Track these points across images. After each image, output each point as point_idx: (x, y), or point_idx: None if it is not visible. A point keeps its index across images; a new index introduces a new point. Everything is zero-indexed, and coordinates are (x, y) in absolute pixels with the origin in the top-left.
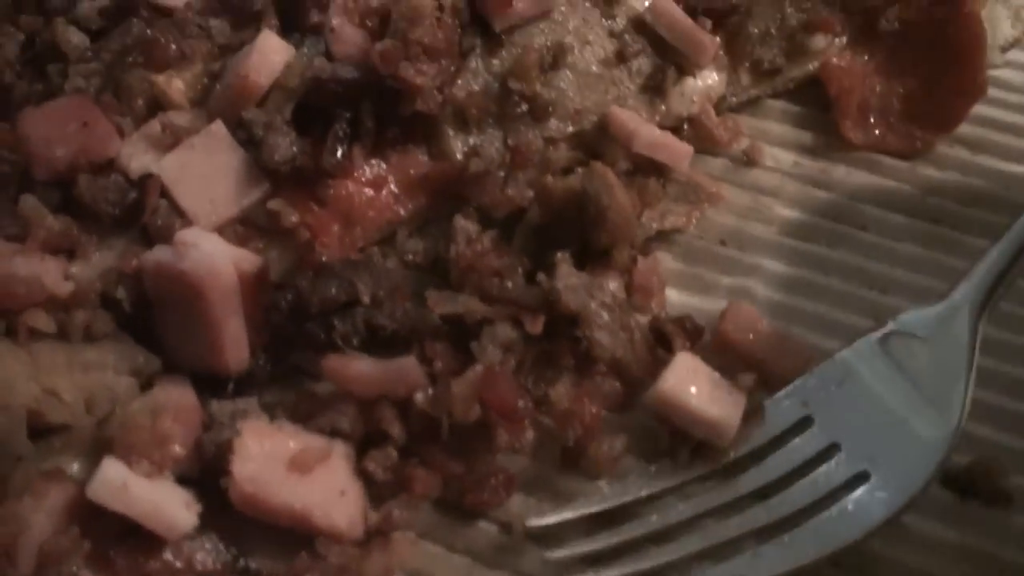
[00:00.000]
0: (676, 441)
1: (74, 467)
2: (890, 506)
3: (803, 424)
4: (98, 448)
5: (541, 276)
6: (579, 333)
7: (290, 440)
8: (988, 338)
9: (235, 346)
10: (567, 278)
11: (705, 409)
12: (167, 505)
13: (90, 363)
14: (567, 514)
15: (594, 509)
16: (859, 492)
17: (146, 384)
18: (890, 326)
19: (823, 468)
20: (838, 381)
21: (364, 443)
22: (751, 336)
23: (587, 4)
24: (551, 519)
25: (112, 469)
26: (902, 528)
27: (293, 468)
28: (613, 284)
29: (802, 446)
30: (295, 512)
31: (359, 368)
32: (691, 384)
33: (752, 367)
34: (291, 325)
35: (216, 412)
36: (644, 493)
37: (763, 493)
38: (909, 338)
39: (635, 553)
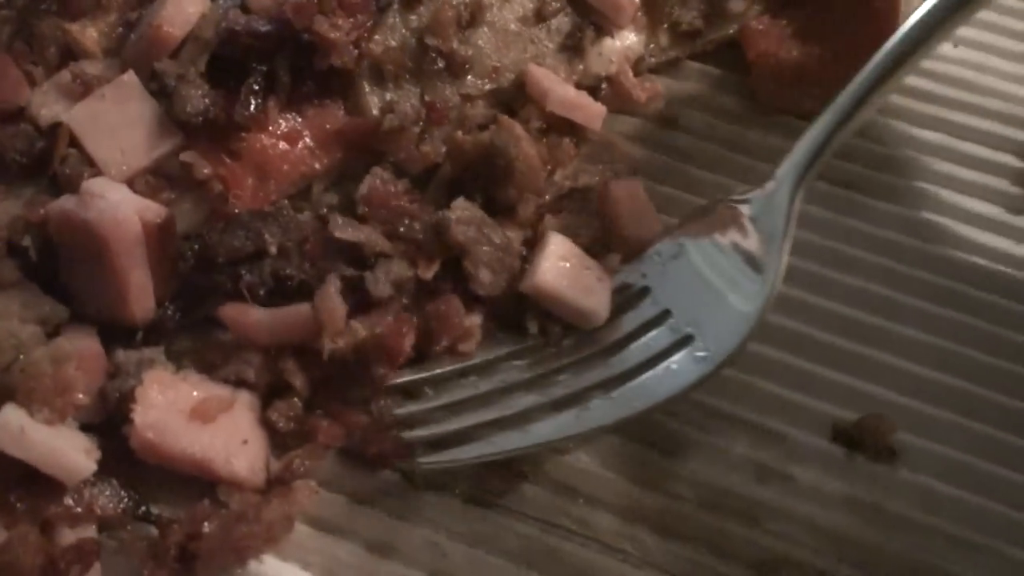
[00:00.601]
0: (547, 323)
1: None
2: (708, 364)
3: (641, 294)
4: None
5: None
6: (464, 267)
7: (194, 390)
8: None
9: (140, 296)
10: (460, 211)
11: (580, 300)
12: (65, 451)
13: None
14: (422, 373)
15: (447, 368)
16: (682, 353)
17: (52, 333)
18: (720, 203)
19: (654, 333)
20: (673, 255)
21: (270, 394)
22: (624, 210)
23: None
24: (405, 378)
25: (10, 415)
26: (790, 479)
27: (195, 416)
28: (512, 234)
29: (638, 313)
30: (195, 459)
31: (255, 316)
32: (564, 277)
33: (619, 242)
34: (199, 275)
35: (122, 361)
36: (492, 356)
37: (602, 354)
38: (736, 214)
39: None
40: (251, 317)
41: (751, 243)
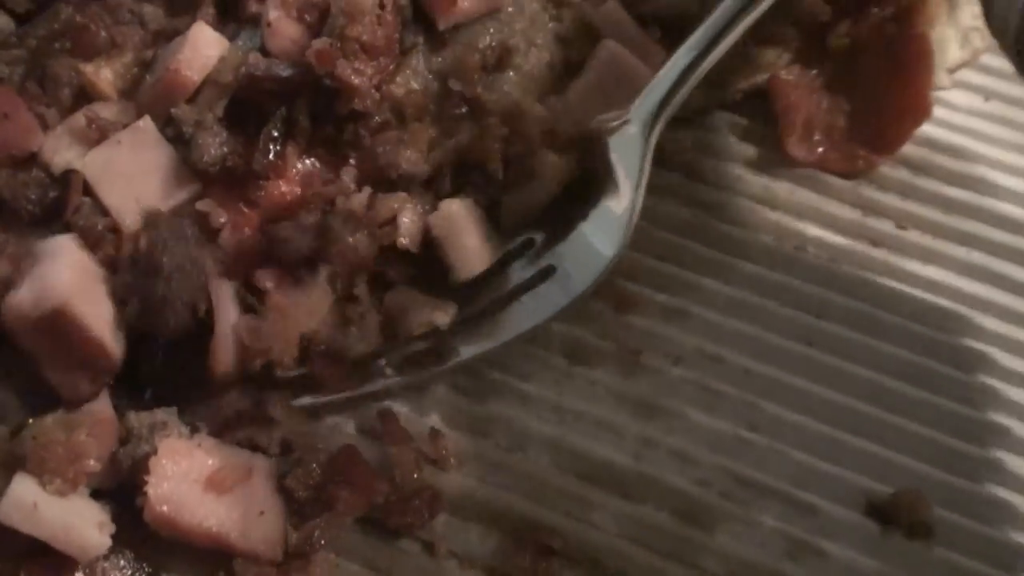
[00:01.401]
0: None
1: None
2: (568, 295)
3: None
4: (10, 463)
5: None
6: None
7: (209, 457)
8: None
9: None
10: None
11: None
12: (79, 526)
13: None
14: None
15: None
16: (545, 284)
17: None
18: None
19: (517, 264)
20: None
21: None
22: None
23: (535, 5)
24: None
25: (22, 488)
26: (822, 555)
27: (211, 487)
28: None
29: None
30: (211, 534)
31: None
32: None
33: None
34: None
35: (134, 425)
36: None
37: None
38: (604, 150)
39: None
40: None
41: (613, 181)
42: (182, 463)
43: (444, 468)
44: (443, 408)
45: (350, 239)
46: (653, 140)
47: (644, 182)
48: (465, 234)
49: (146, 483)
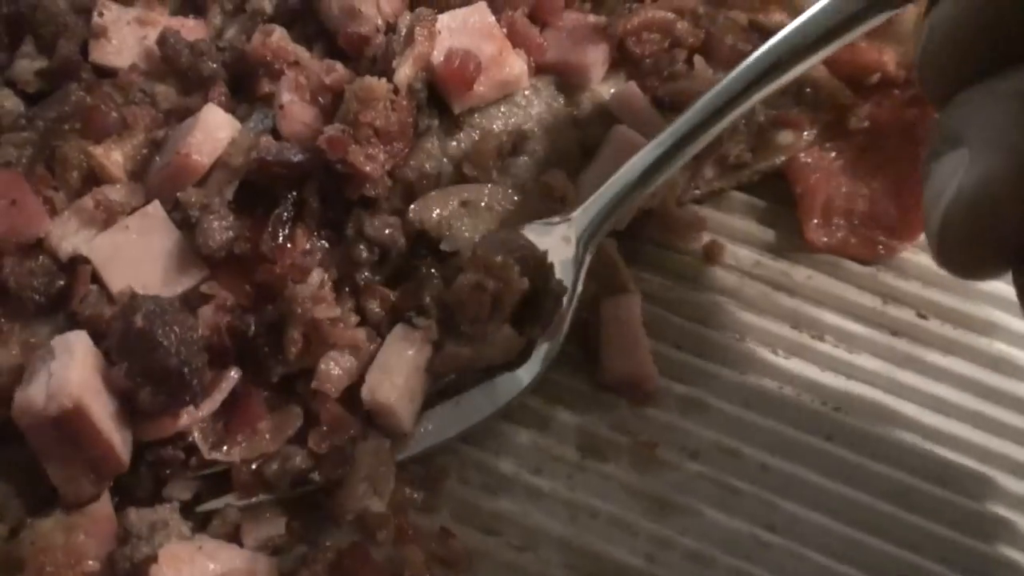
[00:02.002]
0: None
1: None
2: (479, 415)
3: None
4: (9, 566)
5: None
6: None
7: (211, 562)
8: None
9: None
10: None
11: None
12: None
13: None
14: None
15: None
16: (470, 394)
17: None
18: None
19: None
20: None
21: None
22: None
23: (551, 89)
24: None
25: None
26: None
27: None
28: None
29: None
30: None
31: None
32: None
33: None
34: None
35: (133, 523)
36: None
37: None
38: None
39: None
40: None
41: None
42: (184, 570)
43: (455, 570)
44: (453, 503)
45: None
46: (587, 261)
47: (574, 304)
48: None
49: None
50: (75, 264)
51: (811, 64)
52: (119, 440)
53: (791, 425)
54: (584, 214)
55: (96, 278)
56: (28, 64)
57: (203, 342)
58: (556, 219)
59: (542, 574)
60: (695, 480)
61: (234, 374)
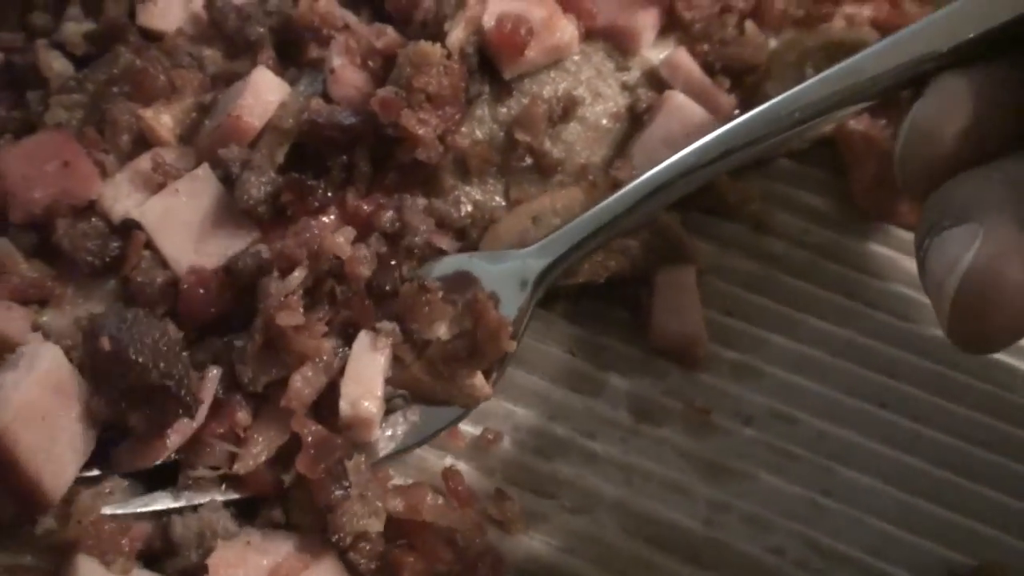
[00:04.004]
0: None
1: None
2: (411, 439)
3: None
4: (57, 548)
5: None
6: None
7: (262, 557)
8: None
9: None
10: None
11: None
12: None
13: None
14: None
15: None
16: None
17: None
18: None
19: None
20: None
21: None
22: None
23: (601, 55)
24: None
25: (88, 569)
26: None
27: None
28: None
29: None
30: None
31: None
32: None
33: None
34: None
35: (181, 535)
36: None
37: None
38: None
39: None
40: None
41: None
42: (238, 573)
43: (509, 531)
44: (508, 467)
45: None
46: (532, 306)
47: (521, 332)
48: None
49: None
50: (127, 227)
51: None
52: (49, 477)
53: (845, 392)
54: (542, 254)
55: (149, 243)
56: (75, 27)
57: (178, 345)
58: (516, 252)
59: (598, 536)
60: (750, 445)
61: (215, 372)
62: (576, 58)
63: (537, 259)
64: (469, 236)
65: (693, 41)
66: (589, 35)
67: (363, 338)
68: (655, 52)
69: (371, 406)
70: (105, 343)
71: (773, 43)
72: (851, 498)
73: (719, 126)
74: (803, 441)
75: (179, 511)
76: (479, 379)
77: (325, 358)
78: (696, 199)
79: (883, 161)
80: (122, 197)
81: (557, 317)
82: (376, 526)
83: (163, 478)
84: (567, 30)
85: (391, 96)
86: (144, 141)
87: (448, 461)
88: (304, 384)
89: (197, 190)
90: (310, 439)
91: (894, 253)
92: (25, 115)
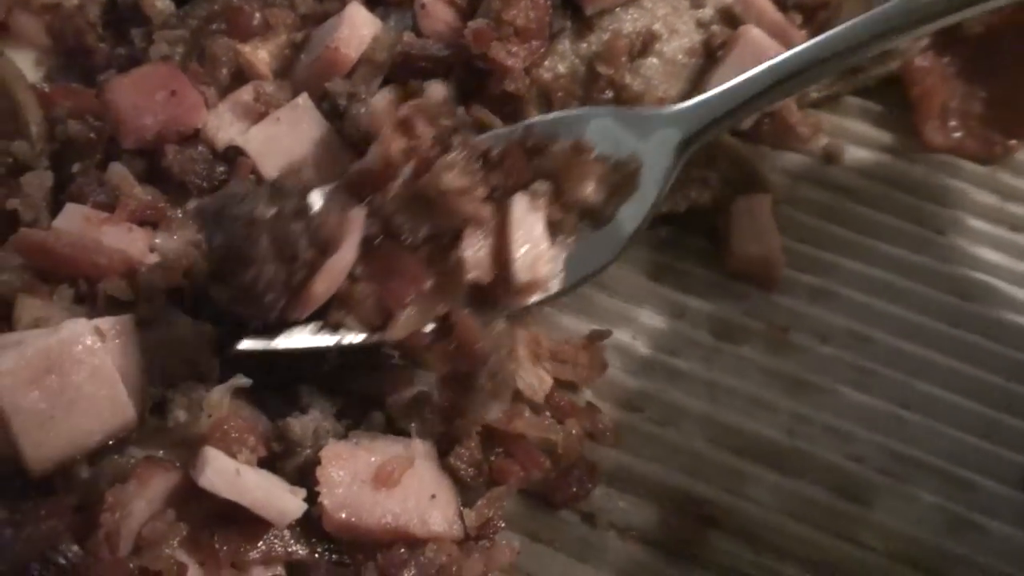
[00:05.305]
0: None
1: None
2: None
3: None
4: (188, 442)
5: None
6: None
7: (370, 455)
8: None
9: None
10: None
11: None
12: (278, 493)
13: None
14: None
15: None
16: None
17: None
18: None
19: None
20: None
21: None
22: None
23: None
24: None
25: (221, 459)
26: (982, 530)
27: (380, 484)
28: None
29: None
30: (391, 528)
31: None
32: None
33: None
34: None
35: (296, 432)
36: None
37: None
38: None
39: None
40: None
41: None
42: (348, 466)
43: (601, 442)
44: (594, 383)
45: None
46: (686, 157)
47: (664, 193)
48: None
49: (318, 494)
50: (230, 155)
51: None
52: (31, 448)
53: (919, 312)
54: (693, 117)
55: (252, 167)
56: None
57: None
58: (662, 112)
59: (685, 446)
60: (829, 362)
61: (361, 211)
62: None
63: (689, 121)
64: None
65: None
66: None
67: (520, 200)
68: None
69: (548, 268)
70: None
71: None
72: (929, 410)
73: None
74: (880, 358)
75: (295, 412)
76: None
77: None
78: (764, 132)
79: (948, 96)
80: (225, 126)
81: (639, 244)
82: (496, 414)
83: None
84: None
85: (483, 27)
86: (242, 75)
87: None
88: (475, 250)
89: (297, 118)
90: (461, 329)
91: (962, 184)
92: (130, 51)
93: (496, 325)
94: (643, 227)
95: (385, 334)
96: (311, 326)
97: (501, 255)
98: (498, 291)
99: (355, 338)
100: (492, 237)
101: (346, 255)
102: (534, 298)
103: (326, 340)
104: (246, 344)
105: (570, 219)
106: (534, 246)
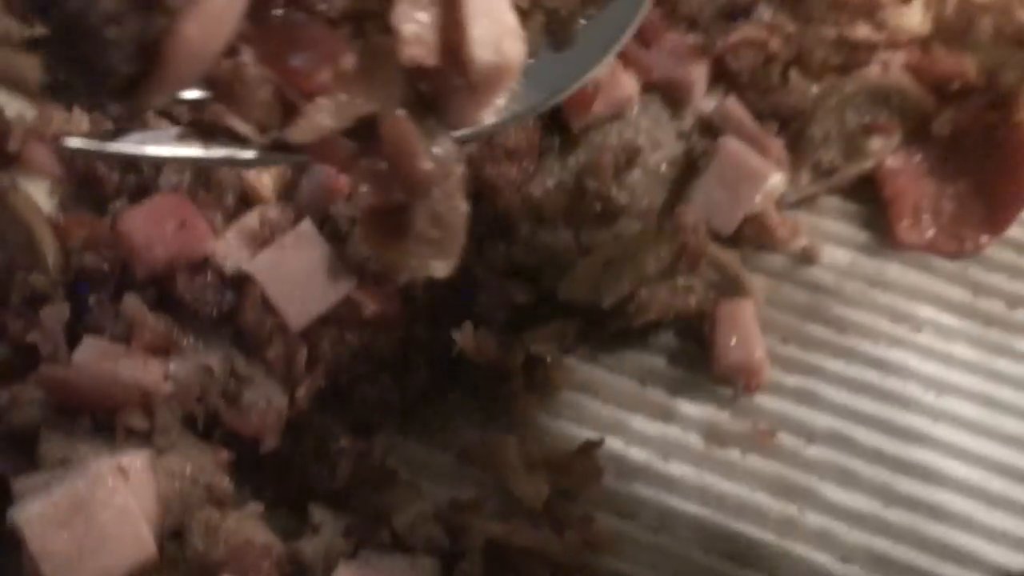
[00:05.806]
0: None
1: None
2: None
3: None
4: (205, 570)
5: None
6: None
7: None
8: None
9: None
10: None
11: None
12: None
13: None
14: None
15: None
16: None
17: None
18: None
19: None
20: None
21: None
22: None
23: (657, 105)
24: None
25: None
26: None
27: None
28: None
29: None
30: None
31: None
32: None
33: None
34: None
35: (309, 557)
36: None
37: None
38: None
39: None
40: None
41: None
42: None
43: (601, 552)
44: (591, 491)
45: None
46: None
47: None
48: None
49: None
50: (238, 281)
51: None
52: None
53: (897, 408)
54: None
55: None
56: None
57: None
58: None
59: (680, 552)
60: (815, 462)
61: None
62: (635, 109)
63: None
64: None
65: (741, 90)
66: (646, 88)
67: None
68: (707, 101)
69: (517, 47)
70: None
71: (815, 89)
72: (911, 508)
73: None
74: (864, 456)
75: (308, 530)
76: None
77: None
78: (747, 235)
79: (920, 195)
80: (233, 252)
81: (629, 351)
82: (442, 270)
83: None
84: (629, 84)
85: (474, 152)
86: (247, 198)
87: None
88: (415, 22)
89: (301, 244)
90: (388, 135)
91: (935, 280)
92: (139, 180)
93: (442, 142)
94: (609, 58)
95: (284, 134)
96: (178, 129)
97: (452, 30)
98: (447, 88)
99: (241, 152)
100: (439, 5)
101: None
102: (494, 101)
103: (196, 149)
104: (74, 142)
105: (535, 21)
106: (496, 18)
